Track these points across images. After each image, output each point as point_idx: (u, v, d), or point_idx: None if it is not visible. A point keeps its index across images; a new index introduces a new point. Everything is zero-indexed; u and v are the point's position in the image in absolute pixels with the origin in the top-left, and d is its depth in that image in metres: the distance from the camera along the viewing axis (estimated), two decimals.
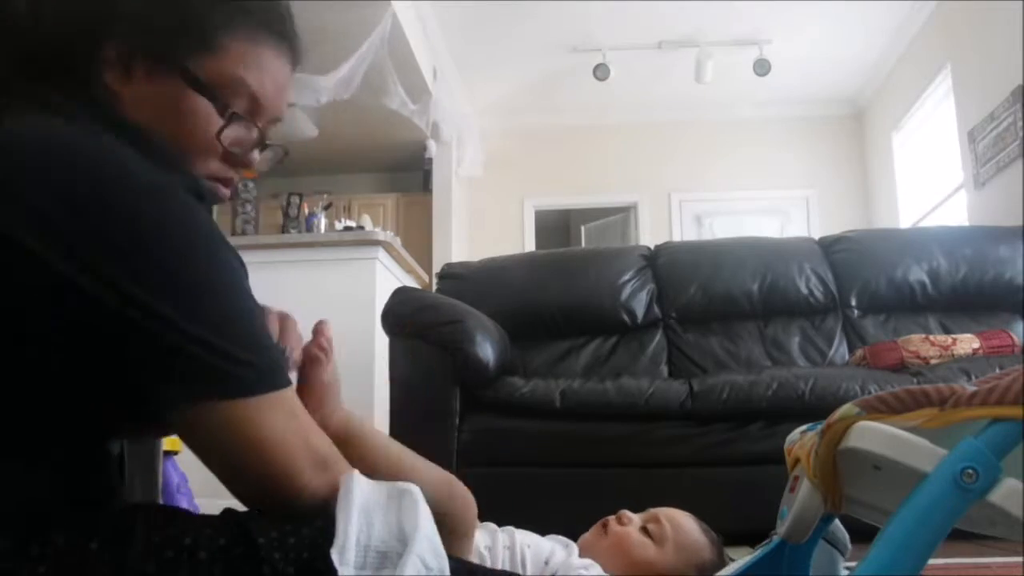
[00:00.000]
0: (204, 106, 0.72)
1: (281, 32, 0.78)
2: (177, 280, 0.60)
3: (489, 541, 1.02)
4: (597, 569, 1.04)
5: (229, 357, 0.61)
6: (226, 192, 0.79)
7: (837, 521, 1.04)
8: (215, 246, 0.64)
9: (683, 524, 1.14)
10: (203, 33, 0.72)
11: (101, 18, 0.71)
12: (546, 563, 1.03)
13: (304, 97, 4.08)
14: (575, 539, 1.13)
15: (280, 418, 0.63)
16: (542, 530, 1.14)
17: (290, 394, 0.66)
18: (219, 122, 0.73)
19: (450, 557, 0.65)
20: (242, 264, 0.67)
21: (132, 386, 0.61)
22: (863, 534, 0.83)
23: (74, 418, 0.64)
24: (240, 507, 0.67)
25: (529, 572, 1.01)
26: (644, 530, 1.12)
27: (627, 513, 1.14)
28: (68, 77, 0.69)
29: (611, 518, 1.14)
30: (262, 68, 0.75)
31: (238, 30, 0.74)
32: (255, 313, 0.66)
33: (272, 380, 0.64)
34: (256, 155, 0.80)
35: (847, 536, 1.04)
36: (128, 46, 0.71)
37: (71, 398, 0.63)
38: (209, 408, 0.61)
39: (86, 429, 0.66)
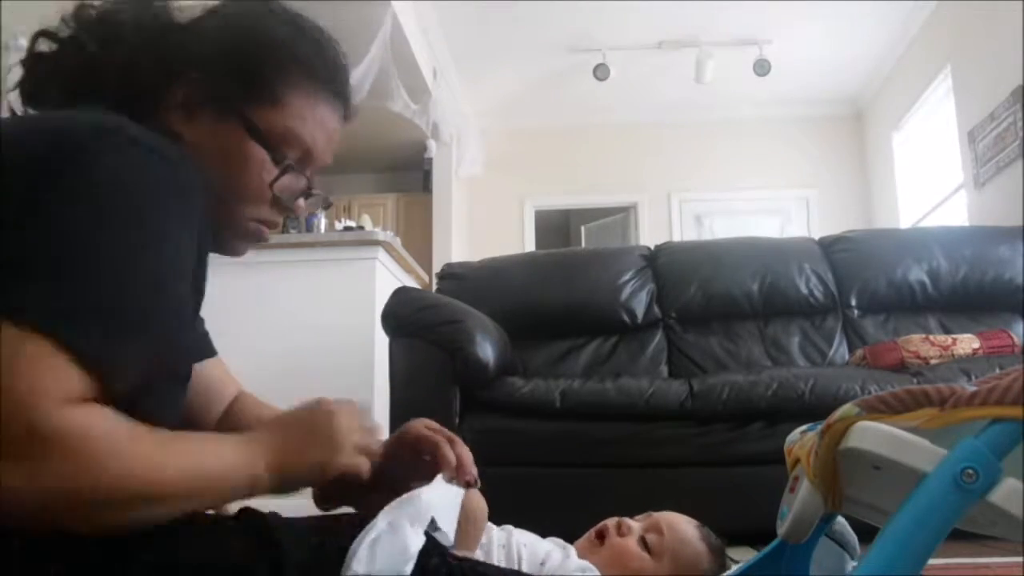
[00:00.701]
0: (260, 155, 0.77)
1: (337, 90, 0.83)
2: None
3: (483, 538, 1.02)
4: (594, 572, 1.03)
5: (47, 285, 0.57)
6: (267, 235, 0.83)
7: (846, 523, 1.04)
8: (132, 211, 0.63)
9: (683, 534, 1.12)
10: (267, 86, 0.77)
11: (172, 62, 0.75)
12: (542, 564, 1.03)
13: None
14: (575, 539, 1.13)
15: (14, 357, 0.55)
16: (542, 531, 1.13)
17: (44, 348, 0.56)
18: (272, 170, 0.77)
19: (461, 559, 0.65)
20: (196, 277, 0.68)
21: None
22: (863, 534, 0.83)
23: None
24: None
25: (525, 571, 1.01)
26: (643, 540, 1.11)
27: (627, 522, 1.13)
28: (133, 116, 0.69)
29: (611, 526, 1.13)
30: (317, 122, 0.80)
31: (300, 85, 0.78)
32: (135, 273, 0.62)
33: (60, 324, 0.57)
34: (302, 202, 0.84)
35: (855, 538, 1.04)
36: (195, 91, 0.75)
37: None
38: None
39: None
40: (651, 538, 1.11)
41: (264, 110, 0.77)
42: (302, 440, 0.73)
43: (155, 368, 0.64)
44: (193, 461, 0.64)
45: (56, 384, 0.56)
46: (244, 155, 0.76)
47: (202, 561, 0.61)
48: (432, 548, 0.68)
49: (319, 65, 0.81)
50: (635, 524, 1.13)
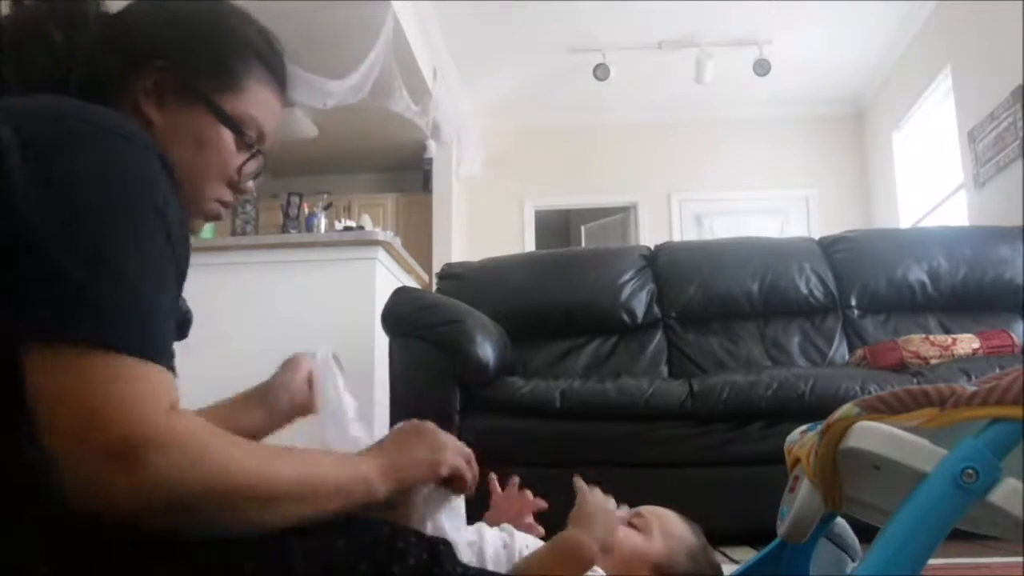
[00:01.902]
0: (228, 138, 0.81)
1: (282, 78, 0.89)
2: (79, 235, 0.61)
3: (474, 536, 1.03)
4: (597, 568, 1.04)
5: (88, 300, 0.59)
6: (222, 214, 0.87)
7: (846, 524, 1.04)
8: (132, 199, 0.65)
9: (665, 514, 1.15)
10: (232, 74, 0.82)
11: (143, 49, 0.79)
12: None
13: (311, 98, 4.07)
14: None
15: (84, 381, 0.57)
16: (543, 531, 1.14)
17: (132, 365, 0.59)
18: (235, 152, 0.83)
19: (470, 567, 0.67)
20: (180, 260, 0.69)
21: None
22: (863, 534, 0.83)
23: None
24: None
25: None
26: (630, 525, 1.13)
27: None
28: (104, 102, 0.72)
29: None
30: (269, 107, 0.86)
31: (256, 73, 0.84)
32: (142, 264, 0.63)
33: (115, 340, 0.59)
34: (251, 183, 0.89)
35: (856, 540, 1.03)
36: (164, 79, 0.79)
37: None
38: (45, 349, 0.57)
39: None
40: (636, 521, 1.13)
41: (228, 96, 0.81)
42: (408, 444, 0.80)
43: None
44: (303, 464, 0.67)
45: (155, 395, 0.59)
46: (214, 138, 0.81)
47: (306, 558, 0.62)
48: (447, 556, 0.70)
49: (269, 54, 0.87)
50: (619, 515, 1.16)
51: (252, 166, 0.85)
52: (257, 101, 0.84)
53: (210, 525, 0.60)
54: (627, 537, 1.10)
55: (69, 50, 0.77)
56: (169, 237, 0.66)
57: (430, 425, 0.85)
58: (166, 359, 0.63)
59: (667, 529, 1.12)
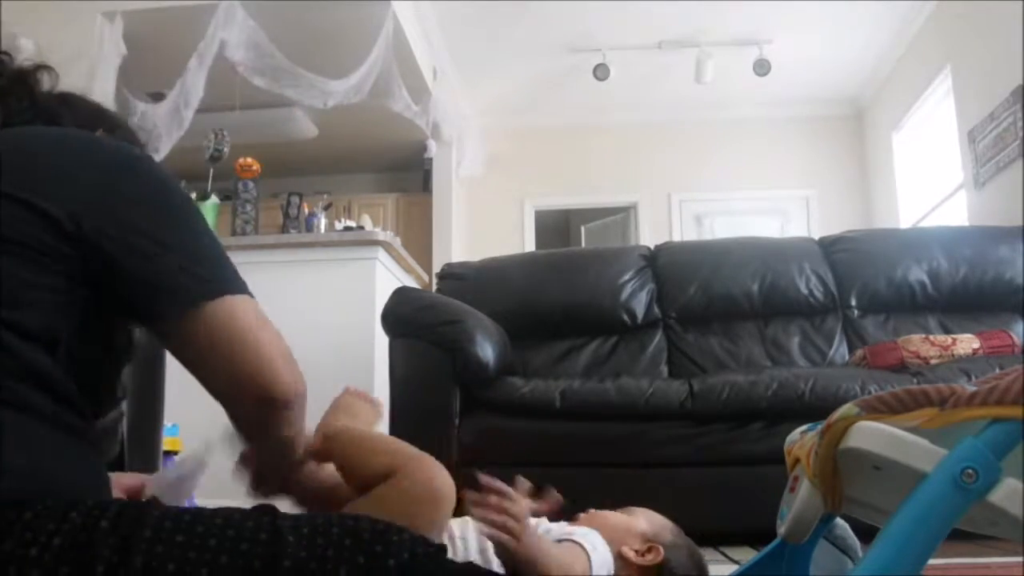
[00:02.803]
0: None
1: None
2: (159, 221, 0.78)
3: (456, 531, 1.06)
4: (596, 535, 1.07)
5: (201, 270, 0.77)
6: None
7: (847, 526, 1.04)
8: (180, 197, 0.83)
9: (648, 512, 1.21)
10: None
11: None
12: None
13: (311, 98, 4.07)
14: None
15: (251, 315, 0.78)
16: None
17: (255, 302, 0.80)
18: None
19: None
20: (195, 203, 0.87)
21: (131, 312, 0.78)
22: (863, 534, 0.83)
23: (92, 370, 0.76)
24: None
25: None
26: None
27: (591, 509, 1.22)
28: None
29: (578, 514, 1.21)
30: None
31: None
32: (212, 236, 0.82)
33: (238, 286, 0.79)
34: None
35: (857, 541, 1.03)
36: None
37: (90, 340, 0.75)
38: (196, 315, 0.75)
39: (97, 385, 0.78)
40: (620, 510, 1.20)
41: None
42: None
43: None
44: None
45: (281, 347, 0.80)
46: None
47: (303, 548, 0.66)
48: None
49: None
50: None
51: None
52: None
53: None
54: (613, 515, 1.17)
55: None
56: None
57: None
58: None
59: (647, 514, 1.19)
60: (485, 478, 0.91)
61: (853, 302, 2.92)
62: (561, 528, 1.10)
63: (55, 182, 0.74)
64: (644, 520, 1.16)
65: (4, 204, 0.70)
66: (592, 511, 1.19)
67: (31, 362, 0.67)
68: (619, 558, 1.08)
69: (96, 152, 0.80)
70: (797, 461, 0.85)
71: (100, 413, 0.78)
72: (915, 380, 2.26)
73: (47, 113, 0.91)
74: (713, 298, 2.91)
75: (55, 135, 0.83)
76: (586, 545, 1.04)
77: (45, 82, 0.94)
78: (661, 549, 1.11)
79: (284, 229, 3.85)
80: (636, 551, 1.10)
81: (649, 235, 6.38)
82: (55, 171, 0.75)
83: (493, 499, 0.90)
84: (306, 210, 3.98)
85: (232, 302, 0.77)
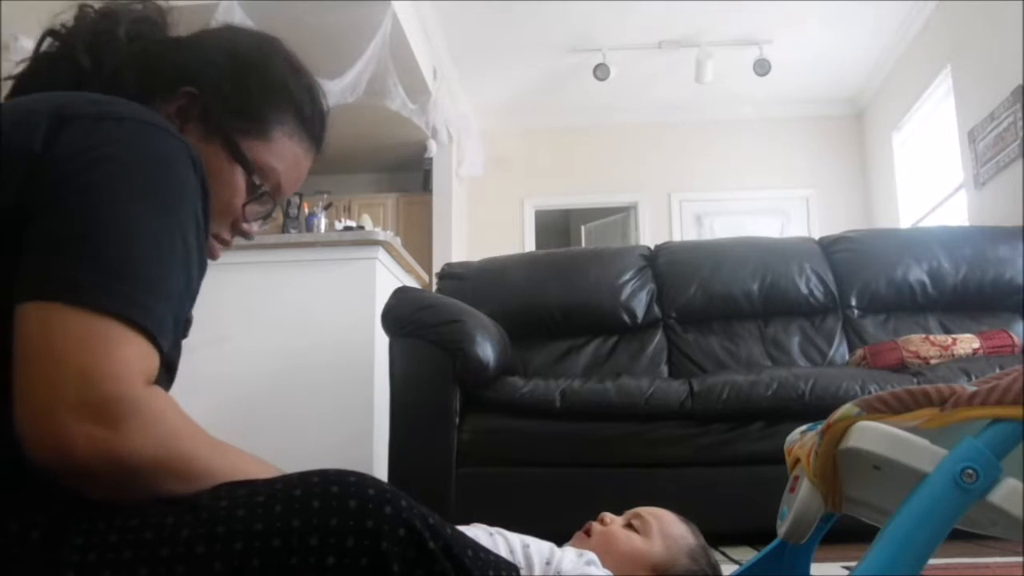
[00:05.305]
0: (240, 179, 0.81)
1: (317, 136, 0.89)
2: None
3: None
4: (592, 556, 1.04)
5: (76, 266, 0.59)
6: (220, 254, 0.85)
7: None
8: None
9: (664, 515, 1.15)
10: (263, 123, 0.82)
11: (174, 74, 0.80)
12: (548, 563, 1.03)
13: None
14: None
15: (75, 337, 0.57)
16: (542, 531, 1.13)
17: (113, 322, 0.59)
18: (245, 194, 0.81)
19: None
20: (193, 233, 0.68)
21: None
22: (863, 534, 0.82)
23: None
24: None
25: (537, 572, 1.01)
26: (629, 526, 1.13)
27: (607, 514, 1.16)
28: None
29: (592, 522, 1.15)
30: (293, 163, 0.86)
31: (289, 128, 0.84)
32: (151, 256, 0.63)
33: (108, 304, 0.59)
34: (256, 226, 0.87)
35: None
36: (191, 106, 0.79)
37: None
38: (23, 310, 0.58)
39: None
40: (635, 522, 1.13)
41: (252, 141, 0.81)
42: None
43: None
44: (238, 462, 0.67)
45: (140, 362, 0.60)
46: (226, 176, 0.80)
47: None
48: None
49: (310, 113, 0.87)
50: (616, 517, 1.16)
51: (258, 208, 0.84)
52: (281, 154, 0.83)
53: (148, 495, 0.61)
54: (627, 539, 1.10)
55: (95, 73, 0.78)
56: (197, 230, 0.68)
57: None
58: (164, 339, 0.63)
59: (666, 530, 1.12)
60: None
61: (853, 302, 2.92)
62: (571, 562, 1.04)
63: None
64: (660, 543, 1.10)
65: None
66: (607, 525, 1.13)
67: None
68: None
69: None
70: (797, 461, 0.84)
71: None
72: (915, 380, 2.26)
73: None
74: (713, 298, 2.91)
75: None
76: None
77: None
78: None
79: (284, 229, 3.85)
80: None
81: (649, 235, 6.39)
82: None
83: None
84: (306, 210, 3.98)
85: (69, 314, 0.58)
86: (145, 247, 0.62)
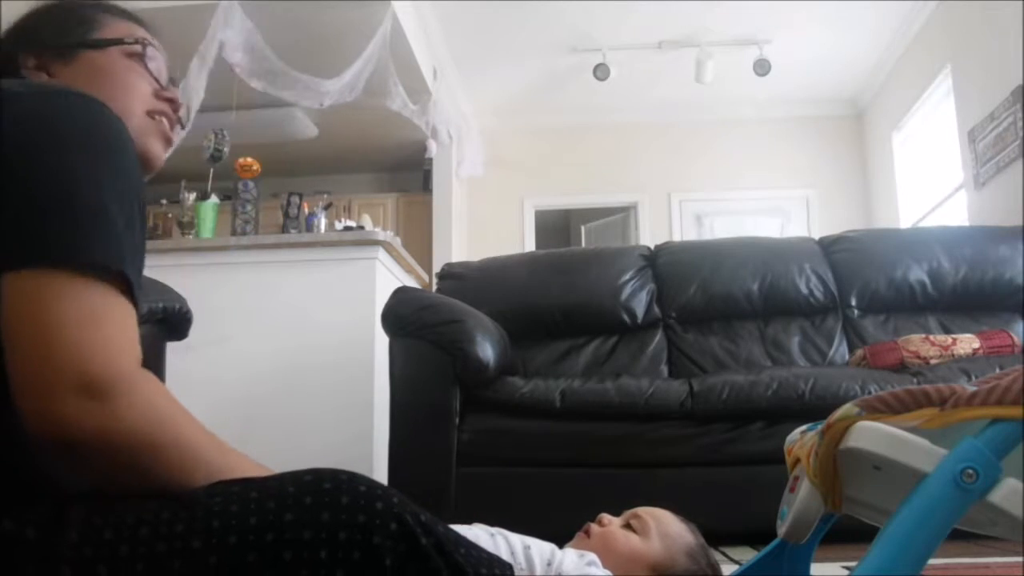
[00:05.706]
0: (116, 56, 0.87)
1: (134, 17, 0.94)
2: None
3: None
4: (592, 556, 1.04)
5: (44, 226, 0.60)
6: (170, 131, 0.91)
7: None
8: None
9: (663, 515, 1.15)
10: (89, 19, 0.89)
11: (10, 41, 0.87)
12: (549, 564, 1.03)
13: (307, 99, 4.07)
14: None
15: (68, 309, 0.59)
16: (542, 531, 1.14)
17: (104, 296, 0.61)
18: (132, 61, 0.88)
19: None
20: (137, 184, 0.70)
21: None
22: (863, 534, 0.82)
23: None
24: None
25: (539, 572, 1.01)
26: (627, 526, 1.13)
27: (605, 515, 1.16)
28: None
29: (590, 523, 1.15)
30: (128, 31, 0.91)
31: (109, 19, 0.91)
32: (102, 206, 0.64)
33: (86, 260, 0.60)
34: (179, 92, 0.93)
35: None
36: (41, 52, 0.86)
37: None
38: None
39: None
40: (633, 523, 1.13)
41: (94, 33, 0.88)
42: None
43: None
44: (230, 454, 0.68)
45: (133, 345, 0.62)
46: (106, 64, 0.87)
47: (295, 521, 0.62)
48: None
49: (111, 7, 0.94)
50: (615, 517, 1.16)
51: (155, 63, 0.90)
52: (119, 29, 0.90)
53: (140, 481, 0.62)
54: (626, 539, 1.10)
55: None
56: (131, 172, 0.70)
57: None
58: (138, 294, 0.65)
59: (665, 530, 1.13)
60: None
61: (853, 302, 2.92)
62: (572, 563, 1.05)
63: None
64: (658, 543, 1.10)
65: None
66: (605, 525, 1.13)
67: None
68: None
69: None
70: (797, 461, 0.85)
71: None
72: (915, 380, 2.26)
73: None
74: (713, 298, 2.91)
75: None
76: None
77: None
78: None
79: (284, 229, 3.85)
80: None
81: (649, 235, 6.38)
82: None
83: None
84: (306, 210, 3.98)
85: (51, 283, 0.59)
86: (107, 202, 0.64)
